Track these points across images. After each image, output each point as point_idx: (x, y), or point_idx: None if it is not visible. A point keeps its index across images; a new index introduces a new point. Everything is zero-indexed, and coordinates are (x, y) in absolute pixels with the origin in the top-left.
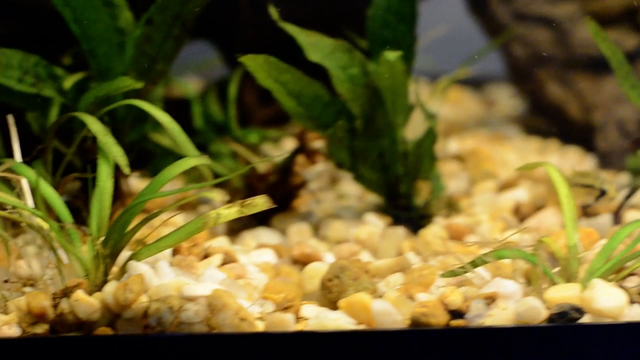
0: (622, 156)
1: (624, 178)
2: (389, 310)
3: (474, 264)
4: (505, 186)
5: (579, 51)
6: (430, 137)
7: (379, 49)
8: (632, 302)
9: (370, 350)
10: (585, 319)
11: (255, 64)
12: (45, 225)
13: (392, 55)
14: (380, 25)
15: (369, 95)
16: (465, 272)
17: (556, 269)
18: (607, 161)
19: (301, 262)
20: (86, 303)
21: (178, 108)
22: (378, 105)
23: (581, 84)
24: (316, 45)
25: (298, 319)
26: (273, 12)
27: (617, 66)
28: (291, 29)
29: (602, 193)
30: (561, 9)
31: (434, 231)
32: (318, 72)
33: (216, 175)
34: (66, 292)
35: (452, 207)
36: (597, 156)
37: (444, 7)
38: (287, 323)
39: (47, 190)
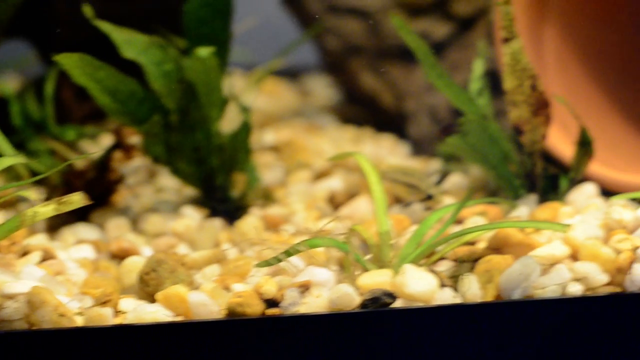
0: (433, 143)
1: (435, 164)
2: (205, 301)
3: (288, 253)
4: (320, 176)
5: (390, 41)
6: (244, 129)
7: (196, 44)
8: (442, 285)
9: (188, 341)
10: (398, 304)
11: (70, 62)
12: None
13: (204, 51)
14: (196, 21)
15: (184, 91)
16: (279, 261)
17: (369, 256)
18: (419, 148)
19: (119, 256)
20: None
21: None
22: (192, 99)
23: (393, 73)
24: (130, 42)
25: (117, 312)
26: (87, 10)
27: (423, 58)
28: (105, 26)
29: (429, 197)
30: (372, 0)
31: (250, 222)
32: (134, 69)
33: (34, 173)
34: None
35: (267, 197)
36: (410, 143)
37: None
38: (106, 317)
39: None
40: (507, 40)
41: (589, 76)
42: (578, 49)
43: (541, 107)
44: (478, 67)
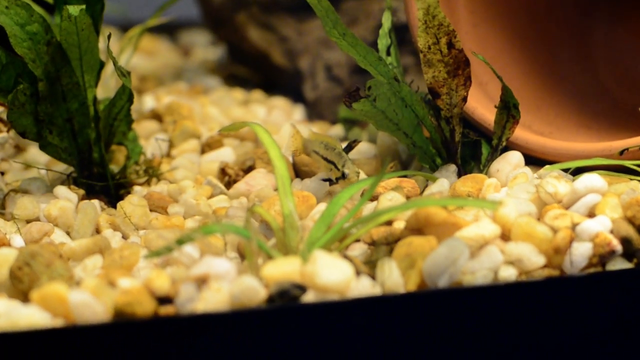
0: (332, 105)
1: (337, 130)
2: (88, 300)
3: (180, 241)
4: (210, 146)
5: None
6: (124, 96)
7: (64, 1)
8: (358, 273)
9: (70, 350)
10: (309, 296)
11: None
12: None
13: (75, 9)
14: None
15: (53, 54)
16: (171, 251)
17: (273, 241)
18: (316, 111)
19: None
20: None
21: None
22: (63, 64)
23: (284, 27)
24: None
25: None
26: None
27: (323, 15)
28: None
29: (343, 176)
30: None
31: (134, 202)
32: None
33: None
34: None
35: (152, 172)
36: (306, 106)
37: None
38: None
39: None
40: None
41: (506, 32)
42: (491, 1)
43: (460, 67)
44: (386, 21)
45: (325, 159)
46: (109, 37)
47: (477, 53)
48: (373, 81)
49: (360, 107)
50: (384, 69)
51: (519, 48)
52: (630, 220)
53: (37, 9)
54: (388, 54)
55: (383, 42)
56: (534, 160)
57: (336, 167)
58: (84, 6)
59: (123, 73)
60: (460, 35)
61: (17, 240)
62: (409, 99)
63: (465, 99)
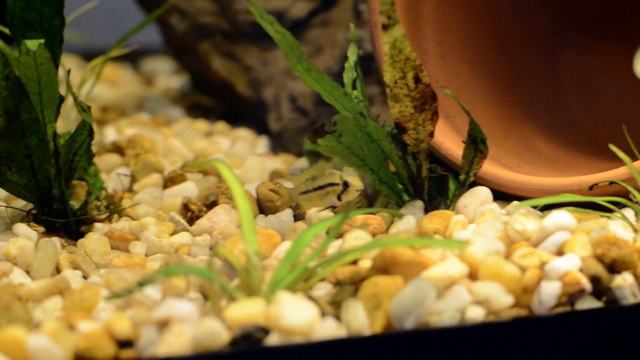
0: (297, 137)
1: (301, 162)
2: (47, 345)
3: (141, 283)
4: (172, 180)
5: (244, 20)
6: (84, 131)
7: (23, 33)
8: (323, 314)
9: None
10: (273, 339)
11: None
12: None
13: (33, 43)
14: (22, 8)
15: (11, 89)
16: (131, 293)
17: (236, 281)
18: (281, 143)
19: None
20: None
21: None
22: (22, 99)
23: (249, 58)
24: None
25: None
26: None
27: (288, 50)
28: None
29: (345, 186)
30: None
31: (95, 240)
32: None
33: None
34: None
35: (113, 208)
36: (271, 138)
37: None
38: None
39: None
40: (386, 27)
41: (474, 63)
42: (459, 31)
43: (427, 101)
44: (352, 55)
45: (319, 188)
46: (68, 72)
47: (445, 84)
48: (338, 117)
49: (326, 143)
50: (349, 104)
51: (487, 79)
52: (600, 259)
53: None
54: (354, 87)
55: (349, 75)
56: (503, 195)
57: (333, 184)
58: (42, 40)
59: (83, 108)
60: (427, 67)
61: None
62: (375, 134)
63: (432, 134)
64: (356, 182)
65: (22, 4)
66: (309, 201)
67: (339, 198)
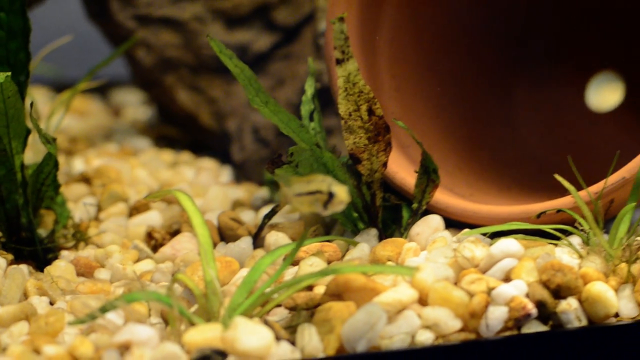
0: (259, 167)
1: (262, 192)
2: None
3: (104, 309)
4: (137, 209)
5: (207, 52)
6: (50, 162)
7: None
8: (278, 338)
9: None
10: None
11: None
12: None
13: (0, 76)
14: None
15: None
16: (94, 318)
17: (195, 307)
18: (244, 172)
19: None
20: None
21: None
22: None
23: (211, 89)
24: None
25: None
26: None
27: (246, 84)
28: None
29: (331, 196)
30: (186, 10)
31: (61, 267)
32: None
33: None
34: None
35: (80, 236)
36: (234, 168)
37: (63, 13)
38: None
39: None
40: (340, 62)
41: (428, 95)
42: (414, 65)
43: (380, 133)
44: (309, 88)
45: (311, 193)
46: (31, 105)
47: (400, 116)
48: (295, 148)
49: (283, 173)
50: (306, 135)
51: (442, 111)
52: (545, 284)
53: None
54: (311, 119)
55: (306, 108)
56: (455, 223)
57: (321, 192)
58: (9, 73)
59: (48, 140)
60: (383, 99)
61: None
62: (330, 165)
63: (385, 164)
64: (342, 194)
65: None
66: (301, 204)
67: (324, 207)
